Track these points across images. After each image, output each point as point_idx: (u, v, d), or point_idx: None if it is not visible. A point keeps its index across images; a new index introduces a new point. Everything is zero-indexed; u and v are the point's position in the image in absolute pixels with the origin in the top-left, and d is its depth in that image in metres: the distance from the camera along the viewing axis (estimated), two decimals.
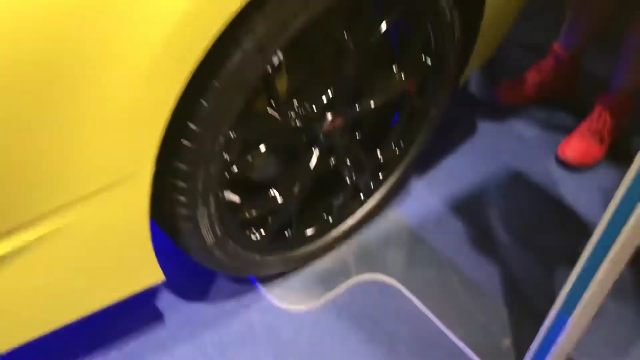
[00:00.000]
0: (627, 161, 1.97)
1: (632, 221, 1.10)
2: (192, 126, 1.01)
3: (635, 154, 1.68)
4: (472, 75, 2.21)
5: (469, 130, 2.01)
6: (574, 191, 1.82)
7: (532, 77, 2.09)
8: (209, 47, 0.91)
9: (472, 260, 1.60)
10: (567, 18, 1.98)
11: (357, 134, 1.43)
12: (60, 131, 0.85)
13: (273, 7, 0.98)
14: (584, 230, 1.71)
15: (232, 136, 1.09)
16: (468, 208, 1.74)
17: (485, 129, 2.02)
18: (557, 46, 2.04)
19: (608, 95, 1.91)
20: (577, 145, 1.91)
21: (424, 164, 1.85)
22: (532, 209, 1.76)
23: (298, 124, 1.23)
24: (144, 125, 0.90)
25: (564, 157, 1.89)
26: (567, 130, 2.00)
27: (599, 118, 1.91)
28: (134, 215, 1.01)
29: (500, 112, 2.08)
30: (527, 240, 1.66)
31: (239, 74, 1.00)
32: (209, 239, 1.18)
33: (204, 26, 0.89)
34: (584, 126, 1.93)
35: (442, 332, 1.44)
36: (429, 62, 1.40)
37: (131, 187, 0.96)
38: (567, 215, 1.75)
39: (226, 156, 1.12)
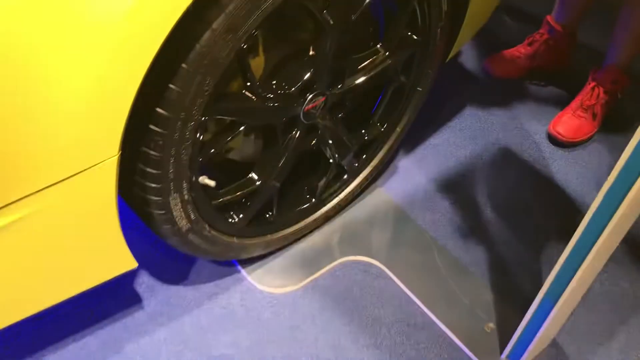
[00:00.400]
0: (620, 137, 1.94)
1: (623, 207, 1.06)
2: (161, 111, 0.96)
3: (628, 130, 1.63)
4: (463, 48, 2.15)
5: (458, 105, 1.96)
6: (564, 168, 1.78)
7: (524, 50, 2.04)
8: (176, 27, 0.86)
9: (459, 240, 1.57)
10: None
11: (340, 113, 1.37)
12: (17, 118, 0.80)
13: None
14: (574, 209, 1.68)
15: (205, 120, 1.04)
16: (456, 186, 1.70)
17: (476, 103, 1.97)
18: (550, 19, 1.98)
19: (601, 69, 1.86)
20: (569, 121, 1.86)
21: (411, 140, 1.80)
22: (521, 187, 1.72)
23: (276, 104, 1.18)
24: (105, 112, 0.85)
25: (555, 133, 1.85)
26: (560, 105, 1.96)
27: (592, 93, 1.86)
28: (101, 203, 0.97)
29: (491, 85, 2.03)
30: (516, 220, 1.63)
31: (210, 56, 0.95)
32: (183, 224, 1.14)
33: (169, 4, 0.83)
34: (577, 101, 1.89)
35: (426, 315, 1.42)
36: (414, 37, 1.34)
37: (95, 175, 0.91)
38: (556, 194, 1.72)
39: (200, 140, 1.07)
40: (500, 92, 2.02)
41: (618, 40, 1.79)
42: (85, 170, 0.89)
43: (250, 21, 0.97)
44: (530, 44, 2.04)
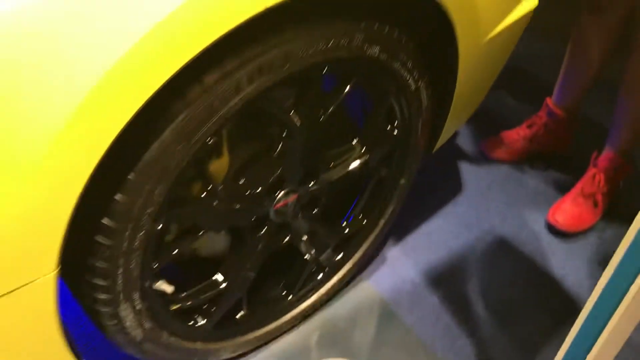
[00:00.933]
0: (624, 228, 1.84)
1: (620, 310, 0.96)
2: (107, 222, 0.91)
3: (633, 221, 1.52)
4: (460, 128, 2.10)
5: (454, 189, 1.89)
6: (562, 262, 1.69)
7: (523, 133, 1.98)
8: (120, 136, 0.81)
9: (448, 342, 1.47)
10: (560, 73, 1.86)
11: (315, 208, 1.31)
12: None
13: (196, 93, 0.88)
14: (570, 308, 1.57)
15: (158, 227, 0.98)
16: (446, 280, 1.61)
17: (472, 187, 1.90)
18: (550, 101, 1.92)
19: (603, 156, 1.78)
20: (568, 209, 1.78)
21: (402, 227, 1.73)
22: (516, 282, 1.63)
23: (242, 206, 1.12)
24: (35, 231, 0.80)
25: (554, 222, 1.76)
26: (561, 190, 1.88)
27: (593, 180, 1.78)
28: (39, 321, 0.90)
29: (488, 168, 1.96)
30: (508, 318, 1.53)
31: (159, 165, 0.90)
32: (137, 334, 1.07)
33: (109, 115, 0.79)
34: (577, 188, 1.81)
35: None
36: (394, 132, 1.28)
37: (30, 293, 0.85)
38: (553, 290, 1.62)
39: (154, 246, 1.01)
40: (498, 176, 1.95)
41: (617, 127, 1.72)
42: (16, 289, 0.83)
43: (204, 129, 0.92)
44: (529, 127, 1.98)
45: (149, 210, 0.93)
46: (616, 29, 1.68)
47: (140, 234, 0.95)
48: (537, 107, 1.98)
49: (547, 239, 1.76)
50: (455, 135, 2.07)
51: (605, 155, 1.76)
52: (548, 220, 1.78)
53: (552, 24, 2.37)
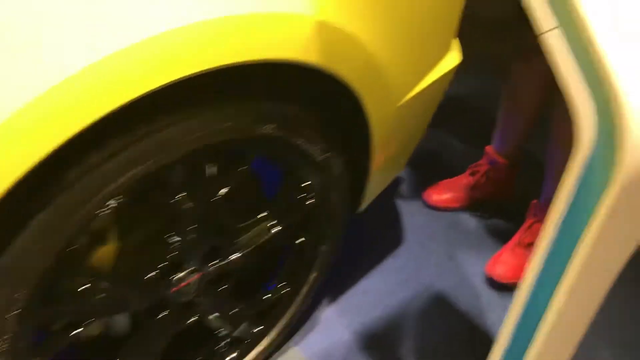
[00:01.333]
0: None
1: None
2: None
3: None
4: (401, 174, 2.05)
5: (394, 241, 1.84)
6: (502, 318, 1.63)
7: (466, 181, 1.94)
8: None
9: None
10: (498, 120, 1.82)
11: (225, 284, 1.24)
12: None
13: (55, 192, 0.81)
14: None
15: (25, 330, 0.91)
16: (381, 342, 1.55)
17: (413, 238, 1.84)
18: (490, 149, 1.88)
19: (540, 205, 1.74)
20: (507, 261, 1.73)
21: (336, 286, 1.67)
22: (453, 342, 1.57)
23: (134, 293, 1.05)
24: None
25: (492, 274, 1.71)
26: (503, 240, 1.83)
27: (530, 230, 1.74)
28: None
29: (430, 218, 1.91)
30: None
31: (17, 269, 0.83)
32: None
33: None
34: (515, 239, 1.76)
35: None
36: (307, 201, 1.22)
37: None
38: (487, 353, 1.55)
39: (27, 345, 0.94)
40: (439, 225, 1.90)
41: (549, 178, 1.68)
42: None
43: (69, 228, 0.85)
44: (472, 174, 1.94)
45: (12, 314, 0.86)
46: (547, 73, 1.64)
47: (5, 337, 0.88)
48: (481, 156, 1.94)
49: (486, 293, 1.70)
50: (396, 182, 2.02)
51: (542, 205, 1.72)
52: (487, 272, 1.73)
53: (502, 61, 2.35)
